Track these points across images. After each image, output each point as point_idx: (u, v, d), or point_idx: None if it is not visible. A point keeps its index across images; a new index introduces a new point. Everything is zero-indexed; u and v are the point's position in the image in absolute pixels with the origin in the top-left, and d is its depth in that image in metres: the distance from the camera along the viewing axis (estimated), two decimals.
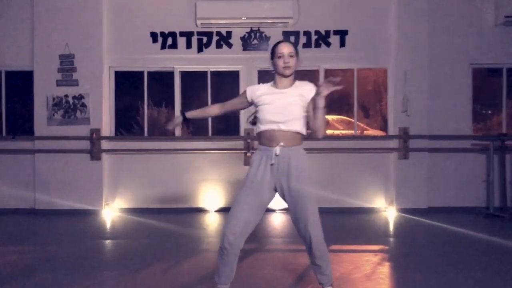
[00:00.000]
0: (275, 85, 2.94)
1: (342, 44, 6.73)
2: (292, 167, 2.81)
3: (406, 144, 6.59)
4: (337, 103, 6.94)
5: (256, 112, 2.98)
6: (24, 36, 6.71)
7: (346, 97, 6.91)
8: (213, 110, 3.22)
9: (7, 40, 6.73)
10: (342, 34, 6.72)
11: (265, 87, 2.96)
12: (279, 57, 2.87)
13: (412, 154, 6.61)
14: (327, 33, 6.73)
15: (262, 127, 2.89)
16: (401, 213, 6.53)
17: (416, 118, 6.59)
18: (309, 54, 6.72)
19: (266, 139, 2.88)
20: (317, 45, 6.75)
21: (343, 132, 7.90)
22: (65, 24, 6.60)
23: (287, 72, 2.88)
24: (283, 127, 2.81)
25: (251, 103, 3.01)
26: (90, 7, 6.62)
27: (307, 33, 6.74)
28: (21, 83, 6.86)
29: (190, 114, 3.17)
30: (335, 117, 8.09)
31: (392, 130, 6.72)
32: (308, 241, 2.84)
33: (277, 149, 2.80)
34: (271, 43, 6.74)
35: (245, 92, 3.04)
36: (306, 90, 2.90)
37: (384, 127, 6.84)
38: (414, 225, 5.87)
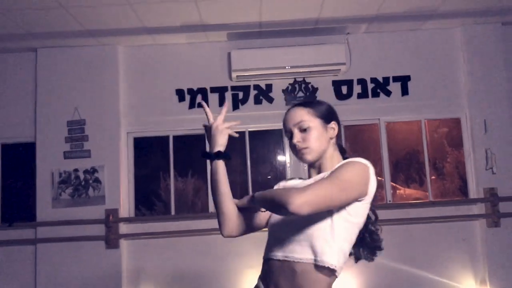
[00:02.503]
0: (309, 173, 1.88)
1: (405, 92, 5.68)
2: None
3: (495, 209, 5.37)
4: (404, 160, 5.78)
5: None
6: (25, 102, 5.66)
7: (413, 153, 5.77)
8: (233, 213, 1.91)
9: (4, 106, 5.68)
10: (404, 80, 5.69)
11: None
12: (289, 138, 1.85)
13: (504, 220, 5.38)
14: (386, 80, 5.70)
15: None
16: None
17: (504, 176, 5.41)
18: (365, 106, 5.68)
19: (261, 272, 1.80)
20: (375, 94, 5.70)
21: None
22: (74, 85, 5.57)
23: (306, 158, 1.80)
24: (283, 254, 1.67)
25: None
26: (104, 64, 5.62)
27: (361, 81, 5.71)
28: (20, 157, 5.72)
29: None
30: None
31: (475, 192, 5.53)
32: None
33: None
34: (319, 95, 5.71)
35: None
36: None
37: (464, 189, 5.65)
38: None
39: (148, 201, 5.84)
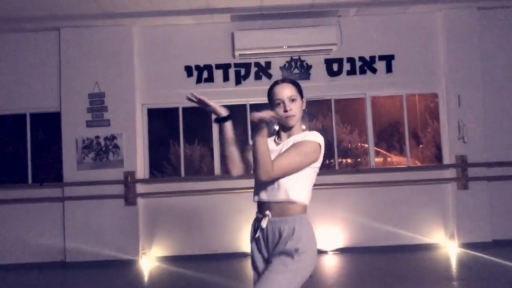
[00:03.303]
0: (278, 138, 2.38)
1: (389, 69, 6.34)
2: (282, 238, 2.19)
3: (464, 173, 6.12)
4: (387, 131, 6.49)
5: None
6: (51, 76, 6.32)
7: (395, 125, 6.48)
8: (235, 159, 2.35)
9: (32, 80, 6.33)
10: (389, 59, 6.34)
11: (271, 141, 2.35)
12: (278, 104, 2.28)
13: (471, 183, 6.14)
14: (372, 58, 6.35)
15: (254, 196, 2.33)
16: (463, 248, 6.01)
17: (473, 145, 6.14)
18: (354, 82, 6.34)
19: (258, 206, 2.34)
20: (362, 71, 6.36)
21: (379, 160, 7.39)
22: (94, 62, 6.22)
23: (291, 122, 2.28)
24: (270, 196, 2.23)
25: None
26: (121, 43, 6.26)
27: (350, 60, 6.36)
28: (47, 125, 6.41)
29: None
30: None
31: (448, 158, 6.27)
32: None
33: (264, 221, 2.23)
34: (313, 72, 6.37)
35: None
36: (299, 137, 2.27)
37: (439, 156, 6.39)
38: (478, 262, 5.40)
39: (161, 165, 6.60)
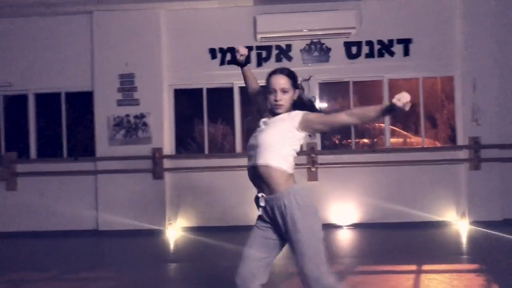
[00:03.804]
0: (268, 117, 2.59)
1: (406, 53, 6.52)
2: (277, 215, 2.40)
3: (477, 154, 6.33)
4: (402, 113, 6.70)
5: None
6: (83, 57, 6.72)
7: (411, 106, 6.68)
8: (255, 89, 2.84)
9: (66, 61, 6.75)
10: (406, 42, 6.51)
11: (265, 118, 2.58)
12: (270, 92, 2.49)
13: (483, 164, 6.34)
14: (391, 42, 6.54)
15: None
16: (474, 226, 6.25)
17: (487, 127, 6.32)
18: (372, 64, 6.56)
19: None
20: (380, 54, 6.56)
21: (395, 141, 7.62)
22: (124, 44, 6.59)
23: (279, 111, 2.49)
24: (253, 160, 2.43)
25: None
26: (149, 26, 6.60)
27: (369, 43, 6.56)
28: (81, 104, 6.86)
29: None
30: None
31: (462, 140, 6.47)
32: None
33: (261, 201, 2.43)
34: (332, 55, 6.60)
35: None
36: (295, 120, 2.44)
37: (453, 138, 6.59)
38: (489, 239, 5.62)
39: (186, 142, 7.00)
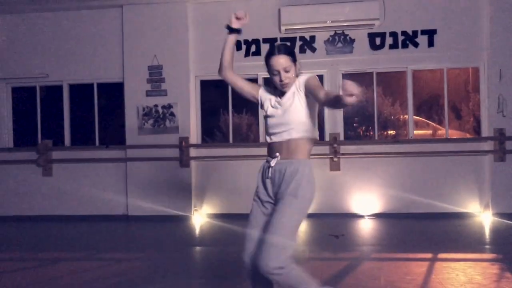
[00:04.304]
0: (280, 94, 2.63)
1: (431, 43, 6.52)
2: (286, 177, 2.49)
3: (502, 146, 6.29)
4: (427, 103, 6.73)
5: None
6: (114, 49, 7.00)
7: (435, 97, 6.70)
8: (229, 63, 2.97)
9: (98, 53, 7.04)
10: (431, 33, 6.51)
11: (272, 97, 2.66)
12: (275, 74, 2.55)
13: (508, 156, 6.30)
14: (415, 33, 6.55)
15: (267, 138, 2.66)
16: (497, 217, 6.24)
17: None
18: (396, 55, 6.58)
19: (269, 149, 2.65)
20: (404, 45, 6.58)
21: (418, 132, 7.61)
22: (153, 36, 6.82)
23: (286, 88, 2.56)
24: (285, 136, 2.55)
25: (258, 103, 2.74)
26: (177, 19, 6.81)
27: (393, 34, 6.59)
28: (112, 94, 7.15)
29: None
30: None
31: (486, 131, 6.44)
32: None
33: (273, 161, 2.54)
34: (356, 46, 6.66)
35: (258, 87, 2.78)
36: (300, 83, 2.54)
37: (477, 129, 6.56)
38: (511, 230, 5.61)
39: (211, 131, 7.21)
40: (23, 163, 7.07)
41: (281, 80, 2.52)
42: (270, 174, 2.54)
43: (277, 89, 2.62)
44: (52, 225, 6.68)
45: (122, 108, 6.97)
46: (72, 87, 7.24)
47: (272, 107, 2.62)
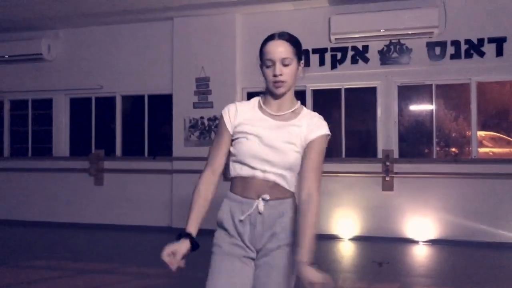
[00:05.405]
0: (265, 104, 1.91)
1: (499, 53, 5.85)
2: (278, 226, 1.83)
3: None
4: (494, 119, 6.05)
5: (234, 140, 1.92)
6: (164, 61, 7.05)
7: (504, 112, 5.99)
8: (206, 195, 2.14)
9: (149, 65, 7.13)
10: (499, 41, 5.84)
11: (249, 108, 1.93)
12: (268, 66, 1.82)
13: None
14: (480, 41, 5.91)
15: (237, 168, 1.95)
16: None
17: None
18: (458, 66, 6.00)
19: (239, 187, 1.95)
20: (468, 55, 5.96)
21: (494, 150, 6.84)
22: (201, 48, 6.78)
23: (280, 90, 1.83)
24: (270, 176, 1.83)
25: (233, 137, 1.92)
26: (225, 30, 6.72)
27: (455, 43, 6.00)
28: (161, 106, 7.19)
29: (191, 227, 1.92)
30: (483, 133, 7.02)
31: None
32: None
33: (260, 204, 1.84)
34: (413, 56, 6.16)
35: (221, 122, 1.92)
36: (312, 128, 1.89)
37: None
38: None
39: None
40: (77, 172, 7.31)
41: (275, 75, 1.79)
42: (247, 219, 1.91)
43: (258, 100, 1.94)
44: (97, 233, 6.80)
45: (171, 119, 6.98)
46: (124, 99, 7.39)
47: (254, 120, 1.89)
